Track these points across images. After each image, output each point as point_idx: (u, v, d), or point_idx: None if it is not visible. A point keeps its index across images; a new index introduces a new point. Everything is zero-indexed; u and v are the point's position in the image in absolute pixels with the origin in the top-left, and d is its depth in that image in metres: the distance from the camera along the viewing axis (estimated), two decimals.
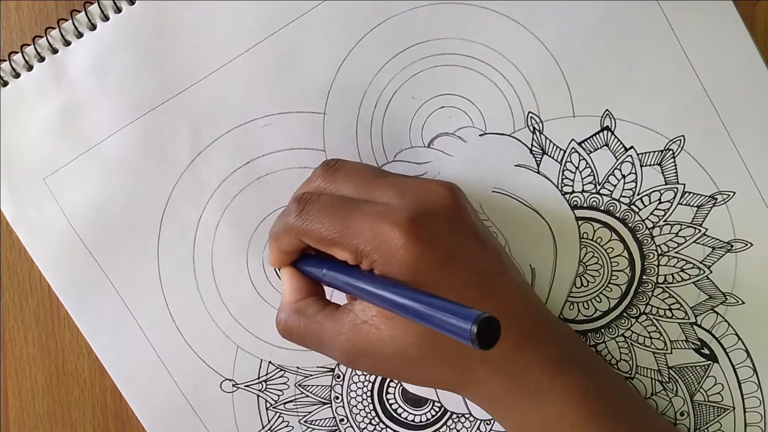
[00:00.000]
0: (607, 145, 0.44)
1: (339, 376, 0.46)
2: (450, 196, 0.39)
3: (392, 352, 0.38)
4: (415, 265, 0.36)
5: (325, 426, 0.46)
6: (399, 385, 0.46)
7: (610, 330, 0.45)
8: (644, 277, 0.45)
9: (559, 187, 0.44)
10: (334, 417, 0.46)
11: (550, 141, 0.44)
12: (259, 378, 0.46)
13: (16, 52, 0.44)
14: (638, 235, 0.45)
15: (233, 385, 0.46)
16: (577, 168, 0.44)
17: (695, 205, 0.44)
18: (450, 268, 0.37)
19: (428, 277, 0.36)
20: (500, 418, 0.41)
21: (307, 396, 0.46)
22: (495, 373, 0.39)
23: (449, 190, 0.39)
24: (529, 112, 0.44)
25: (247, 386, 0.46)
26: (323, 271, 0.40)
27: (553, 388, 0.39)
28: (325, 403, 0.46)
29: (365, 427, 0.46)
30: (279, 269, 0.45)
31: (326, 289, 0.43)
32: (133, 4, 0.44)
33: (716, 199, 0.44)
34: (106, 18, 0.44)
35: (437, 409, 0.46)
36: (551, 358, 0.39)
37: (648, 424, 0.42)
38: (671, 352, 0.45)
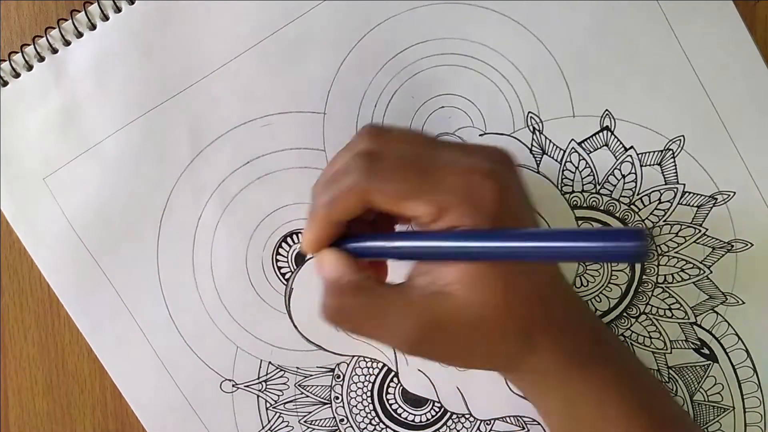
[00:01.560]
0: (606, 145, 0.44)
1: (339, 377, 0.46)
2: (509, 156, 0.37)
3: (467, 322, 0.35)
4: (504, 214, 0.34)
5: (325, 426, 0.46)
6: (399, 384, 0.46)
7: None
8: (644, 277, 0.45)
9: (559, 187, 0.44)
10: (334, 417, 0.46)
11: (550, 141, 0.44)
12: (258, 378, 0.46)
13: (16, 52, 0.44)
14: None
15: (233, 386, 0.46)
16: (576, 168, 0.44)
17: (695, 205, 0.44)
18: (527, 216, 0.36)
19: (512, 223, 0.34)
20: (545, 397, 0.40)
21: (307, 396, 0.46)
22: (554, 344, 0.37)
23: (505, 151, 0.37)
24: (528, 112, 0.44)
25: (247, 386, 0.46)
26: (379, 244, 0.37)
27: (599, 357, 0.38)
28: (325, 403, 0.46)
29: (365, 428, 0.46)
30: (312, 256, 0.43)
31: None
32: (132, 3, 0.44)
33: (716, 199, 0.44)
34: (106, 18, 0.44)
35: (437, 410, 0.46)
36: (596, 330, 0.40)
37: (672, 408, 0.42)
38: (671, 352, 0.45)
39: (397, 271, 0.39)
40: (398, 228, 0.42)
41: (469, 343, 0.36)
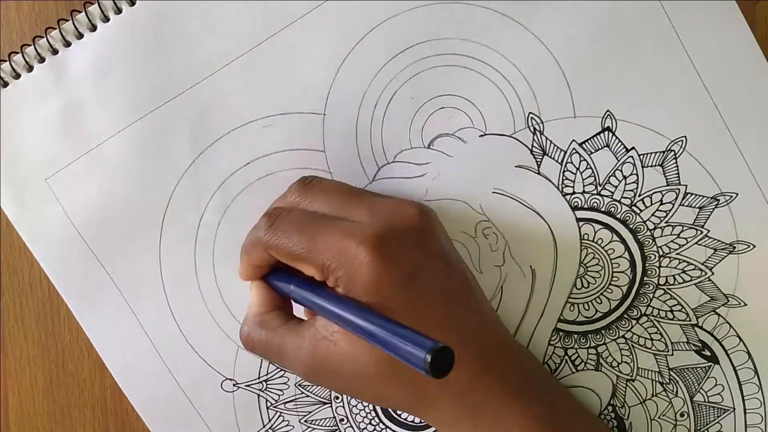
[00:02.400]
0: (608, 145, 0.44)
1: None
2: (419, 217, 0.39)
3: (350, 370, 0.38)
4: (378, 283, 0.36)
5: (325, 426, 0.47)
6: None
7: (611, 331, 0.45)
8: (645, 278, 0.45)
9: (560, 188, 0.44)
10: (334, 417, 0.47)
11: (551, 142, 0.44)
12: (259, 378, 0.46)
13: (17, 53, 0.44)
14: (639, 237, 0.44)
15: (234, 385, 0.46)
16: (577, 169, 0.44)
17: (697, 206, 0.44)
18: (413, 287, 0.37)
19: (391, 296, 0.36)
20: None
21: (308, 396, 0.46)
22: (453, 397, 0.39)
23: (419, 210, 0.39)
24: (529, 113, 0.44)
25: (248, 386, 0.46)
26: (290, 287, 0.40)
27: (511, 416, 0.39)
28: (325, 403, 0.46)
29: (365, 428, 0.46)
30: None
31: (295, 305, 0.43)
32: (133, 5, 0.44)
33: (718, 200, 0.44)
34: (106, 19, 0.44)
35: None
36: (510, 385, 0.39)
37: None
38: (672, 354, 0.45)
39: None
40: None
41: (357, 387, 0.39)
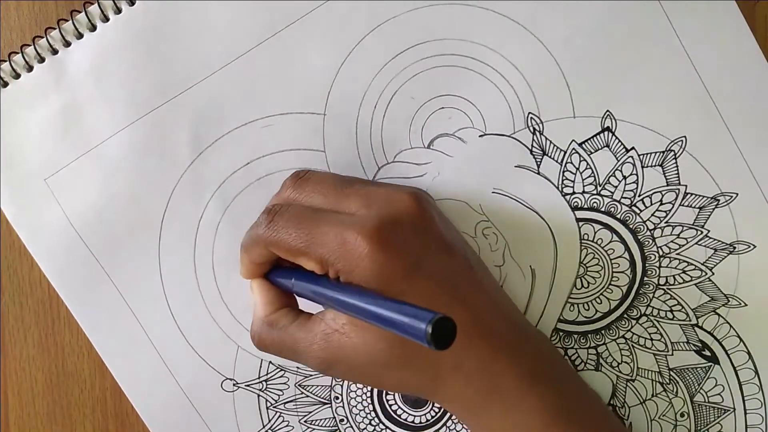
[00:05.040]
0: (607, 145, 0.44)
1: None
2: (415, 204, 0.39)
3: (364, 359, 0.38)
4: (379, 274, 0.36)
5: (325, 426, 0.47)
6: None
7: (611, 331, 0.45)
8: (645, 278, 0.45)
9: (560, 188, 0.44)
10: (334, 417, 0.46)
11: (551, 142, 0.44)
12: (259, 378, 0.46)
13: (16, 53, 0.44)
14: (639, 237, 0.44)
15: (234, 385, 0.46)
16: (577, 169, 0.44)
17: (697, 206, 0.44)
18: (415, 276, 0.37)
19: (393, 286, 0.37)
20: (469, 424, 0.41)
21: (307, 396, 0.46)
22: (467, 380, 0.39)
23: (415, 197, 0.39)
24: (529, 113, 0.44)
25: (248, 386, 0.46)
26: (292, 282, 0.41)
27: (524, 400, 0.39)
28: (325, 404, 0.46)
29: (365, 428, 0.46)
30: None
31: (299, 300, 0.43)
32: (133, 5, 0.44)
33: (718, 200, 0.44)
34: (106, 19, 0.44)
35: (437, 410, 0.46)
36: (525, 368, 0.39)
37: None
38: (672, 354, 0.45)
39: None
40: None
41: (373, 374, 0.39)
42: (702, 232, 0.44)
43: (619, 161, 0.44)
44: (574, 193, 0.44)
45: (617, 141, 0.44)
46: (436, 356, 0.38)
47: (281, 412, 0.47)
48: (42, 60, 0.44)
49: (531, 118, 0.44)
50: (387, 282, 0.37)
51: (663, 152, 0.44)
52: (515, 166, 0.44)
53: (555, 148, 0.44)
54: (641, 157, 0.44)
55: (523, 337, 0.41)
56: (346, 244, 0.37)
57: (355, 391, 0.46)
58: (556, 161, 0.44)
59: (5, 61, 0.44)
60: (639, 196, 0.44)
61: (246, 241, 0.41)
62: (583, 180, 0.44)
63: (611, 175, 0.44)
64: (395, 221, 0.38)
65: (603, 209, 0.44)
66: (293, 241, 0.38)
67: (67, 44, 0.44)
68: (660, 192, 0.44)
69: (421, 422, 0.46)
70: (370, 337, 0.38)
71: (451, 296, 0.38)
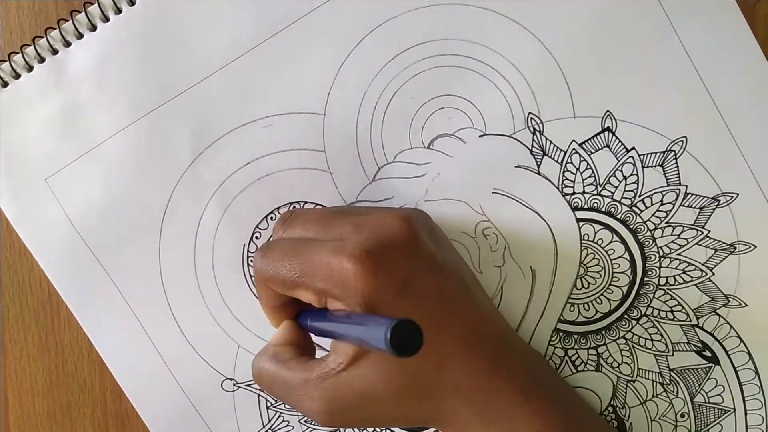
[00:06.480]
0: (608, 146, 0.44)
1: None
2: (405, 227, 0.39)
3: (362, 393, 0.37)
4: (369, 296, 0.36)
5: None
6: None
7: (611, 332, 0.45)
8: (645, 279, 0.45)
9: (560, 189, 0.44)
10: None
11: (551, 142, 0.44)
12: None
13: (16, 53, 0.44)
14: (640, 237, 0.44)
15: (234, 385, 0.46)
16: (577, 169, 0.44)
17: (698, 206, 0.44)
18: (405, 297, 0.37)
19: (383, 308, 0.36)
20: None
21: None
22: (466, 402, 0.39)
23: (404, 219, 0.39)
24: (529, 113, 0.44)
25: (248, 386, 0.46)
26: (308, 321, 0.40)
27: (521, 416, 0.39)
28: None
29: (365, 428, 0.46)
30: None
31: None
32: (133, 5, 0.44)
33: (719, 200, 0.44)
34: (106, 19, 0.44)
35: None
36: (519, 384, 0.39)
37: None
38: (673, 355, 0.45)
39: None
40: None
41: (373, 411, 0.38)
42: (702, 233, 0.44)
43: (619, 161, 0.44)
44: (574, 193, 0.44)
45: (617, 141, 0.44)
46: (435, 381, 0.38)
47: (281, 412, 0.47)
48: (42, 60, 0.44)
49: (531, 118, 0.44)
50: (377, 304, 0.36)
51: (663, 152, 0.44)
52: (515, 166, 0.44)
53: (555, 148, 0.44)
54: (642, 157, 0.44)
55: (513, 351, 0.41)
56: (336, 270, 0.37)
57: None
58: (557, 161, 0.44)
59: (5, 61, 0.44)
60: (639, 196, 0.44)
61: (256, 288, 0.42)
62: (583, 180, 0.44)
63: (611, 176, 0.44)
64: (384, 244, 0.38)
65: (603, 209, 0.44)
66: (287, 273, 0.38)
67: (67, 44, 0.44)
68: (660, 192, 0.44)
69: None
70: (367, 371, 0.37)
71: (442, 314, 0.38)
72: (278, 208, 0.45)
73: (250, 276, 0.45)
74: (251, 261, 0.45)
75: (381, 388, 0.37)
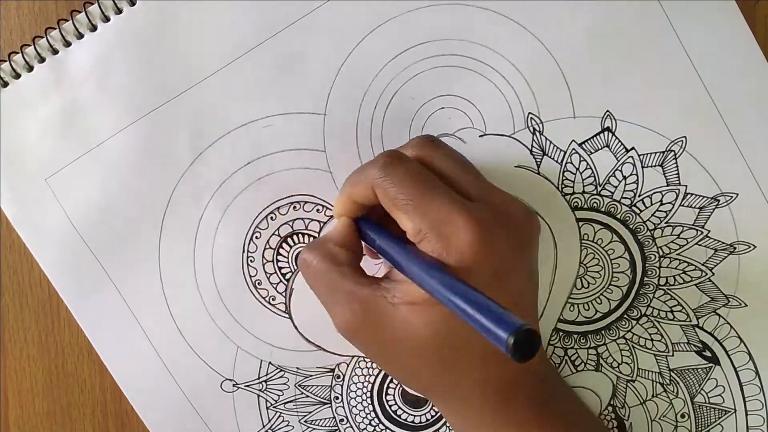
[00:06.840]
0: (607, 146, 0.44)
1: (339, 377, 0.46)
2: (526, 220, 0.39)
3: (395, 336, 0.37)
4: (469, 266, 0.35)
5: (325, 426, 0.47)
6: (399, 386, 0.46)
7: (611, 332, 0.45)
8: (645, 278, 0.45)
9: (560, 188, 0.44)
10: (334, 417, 0.46)
11: (551, 142, 0.44)
12: (259, 378, 0.46)
13: (17, 53, 0.44)
14: (639, 237, 0.44)
15: (233, 385, 0.46)
16: (577, 169, 0.44)
17: (697, 206, 0.44)
18: (496, 282, 0.36)
19: (476, 281, 0.35)
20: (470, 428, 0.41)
21: (307, 396, 0.46)
22: (487, 397, 0.39)
23: (529, 214, 0.39)
24: (529, 113, 0.44)
25: (248, 386, 0.46)
26: (378, 236, 0.39)
27: (536, 424, 0.39)
28: (324, 404, 0.46)
29: (365, 428, 0.46)
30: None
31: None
32: (133, 5, 0.44)
33: (719, 200, 0.44)
34: (106, 19, 0.44)
35: (436, 411, 0.46)
36: (539, 395, 0.40)
37: None
38: (673, 355, 0.45)
39: None
40: None
41: (394, 355, 0.38)
42: (702, 233, 0.44)
43: (619, 161, 0.44)
44: (574, 193, 0.44)
45: (617, 141, 0.44)
46: (470, 364, 0.38)
47: (281, 412, 0.47)
48: (42, 60, 0.44)
49: (531, 118, 0.44)
50: (473, 275, 0.35)
51: (663, 152, 0.44)
52: (515, 166, 0.44)
53: (555, 148, 0.44)
54: (641, 157, 0.44)
55: (539, 364, 0.41)
56: (451, 224, 0.36)
57: (355, 392, 0.46)
58: (556, 161, 0.44)
59: (5, 61, 0.44)
60: (639, 196, 0.44)
61: (353, 177, 0.40)
62: (583, 180, 0.44)
63: (611, 175, 0.44)
64: (505, 225, 0.37)
65: (603, 209, 0.44)
66: (402, 196, 0.37)
67: (68, 44, 0.44)
68: (660, 192, 0.44)
69: (420, 422, 0.46)
70: (417, 320, 0.36)
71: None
72: (278, 208, 0.45)
73: (250, 276, 0.45)
74: (251, 261, 0.45)
75: (416, 342, 0.37)
